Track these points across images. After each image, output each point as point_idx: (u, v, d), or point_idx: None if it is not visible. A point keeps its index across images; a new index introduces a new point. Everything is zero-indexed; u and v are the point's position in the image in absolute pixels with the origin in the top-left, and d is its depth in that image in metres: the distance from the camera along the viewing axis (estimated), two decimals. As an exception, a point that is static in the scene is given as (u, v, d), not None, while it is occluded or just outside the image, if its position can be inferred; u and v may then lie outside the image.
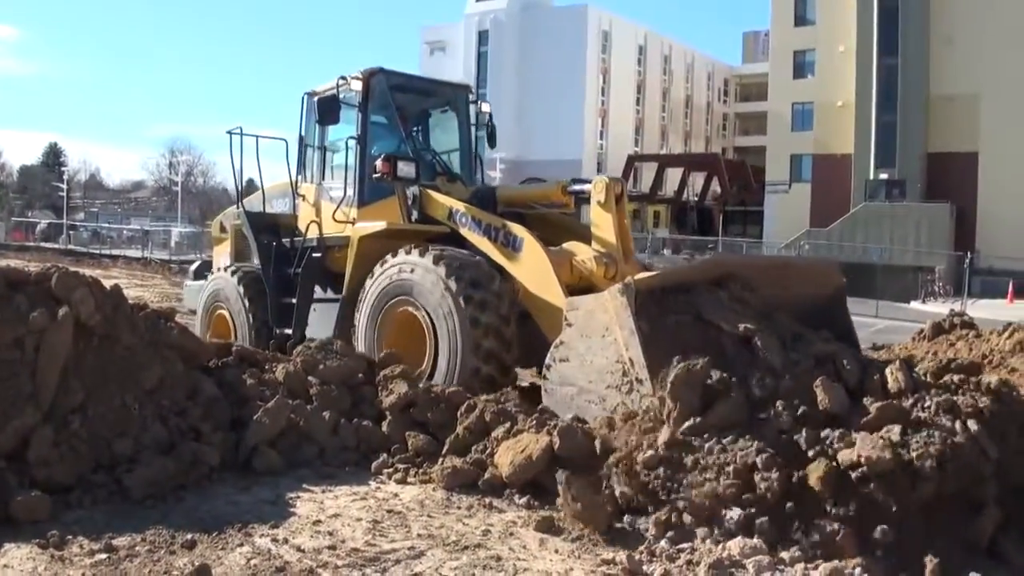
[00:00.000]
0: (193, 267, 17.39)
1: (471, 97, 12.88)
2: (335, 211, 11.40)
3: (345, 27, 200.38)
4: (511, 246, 9.68)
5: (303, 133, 12.45)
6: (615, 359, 7.11)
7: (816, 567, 4.95)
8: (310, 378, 8.09)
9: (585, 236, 10.20)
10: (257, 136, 12.53)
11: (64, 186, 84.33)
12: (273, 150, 12.99)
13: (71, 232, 67.71)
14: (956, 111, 55.66)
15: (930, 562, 4.88)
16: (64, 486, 6.28)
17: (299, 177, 12.50)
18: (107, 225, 76.27)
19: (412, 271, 9.72)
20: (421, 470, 7.07)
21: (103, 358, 7.10)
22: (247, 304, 12.00)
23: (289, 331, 11.36)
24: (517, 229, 9.71)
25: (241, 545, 5.49)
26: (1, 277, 7.07)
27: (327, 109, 11.18)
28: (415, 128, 12.64)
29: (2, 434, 6.32)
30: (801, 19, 64.30)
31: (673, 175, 72.55)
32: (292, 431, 7.45)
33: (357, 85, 11.32)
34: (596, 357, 7.30)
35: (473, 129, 12.70)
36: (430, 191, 10.79)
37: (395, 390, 7.86)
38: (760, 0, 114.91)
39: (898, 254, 48.77)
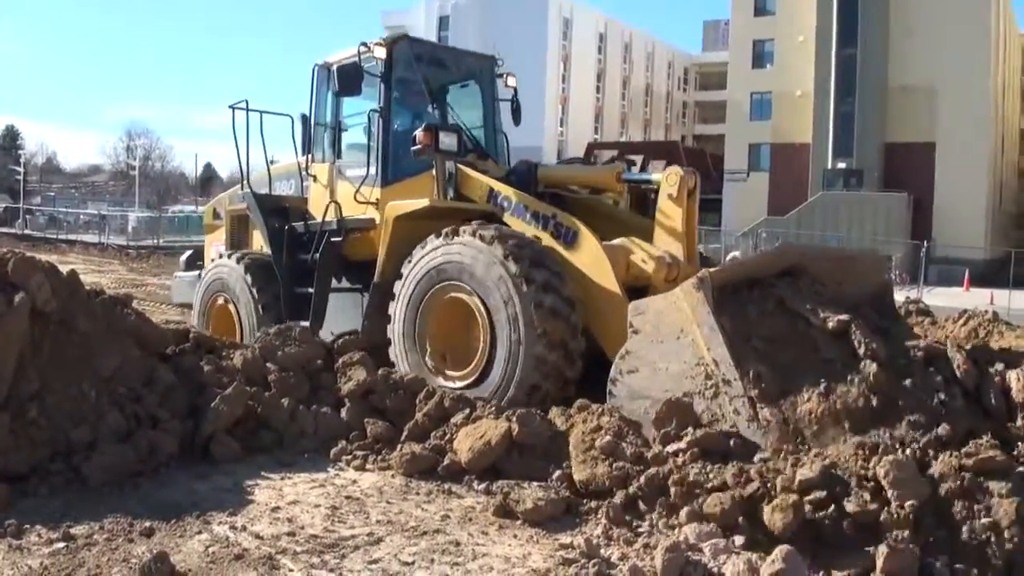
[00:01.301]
0: (183, 257, 16.05)
1: (497, 70, 11.95)
2: (356, 192, 10.49)
3: (303, 10, 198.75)
4: (563, 238, 8.89)
5: (313, 108, 11.51)
6: (695, 362, 6.55)
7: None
8: (268, 365, 8.04)
9: (636, 229, 9.55)
10: (261, 112, 11.62)
11: (21, 169, 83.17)
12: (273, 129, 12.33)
13: (27, 217, 66.81)
14: (914, 102, 56.27)
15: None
16: (20, 474, 6.23)
17: (308, 157, 11.61)
18: (64, 210, 75.29)
19: (462, 252, 8.78)
20: (380, 457, 7.05)
21: (60, 345, 7.03)
22: (255, 294, 11.09)
23: (305, 323, 10.08)
24: (571, 220, 8.96)
25: (199, 532, 5.48)
26: (-44, 263, 7.00)
27: (348, 79, 10.26)
28: (436, 102, 11.72)
29: (-42, 423, 6.28)
30: (761, 9, 64.58)
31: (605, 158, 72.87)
32: (250, 418, 7.42)
33: (381, 52, 10.42)
34: (671, 363, 6.70)
35: (497, 104, 11.87)
36: (466, 168, 9.98)
37: (354, 376, 7.83)
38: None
39: (855, 243, 49.23)
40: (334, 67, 10.61)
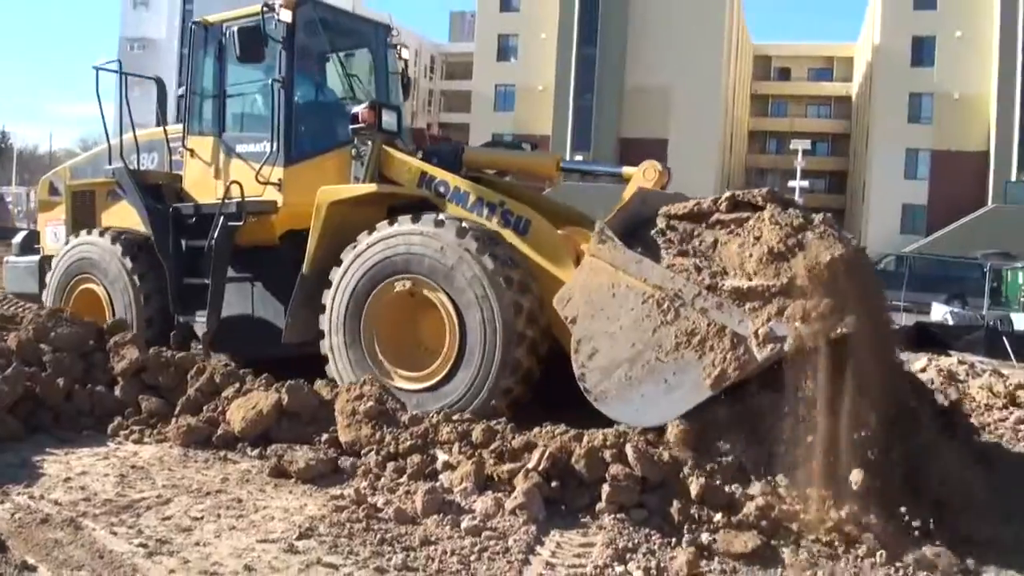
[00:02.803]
0: (17, 239, 14.06)
1: (390, 39, 10.93)
2: (258, 172, 9.43)
3: None
4: (515, 227, 8.26)
5: (190, 73, 10.35)
6: (641, 301, 6.66)
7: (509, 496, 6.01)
8: (42, 346, 8.35)
9: (569, 218, 9.26)
10: (124, 73, 10.59)
11: None
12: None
13: None
14: (649, 100, 60.09)
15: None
16: None
17: (183, 127, 10.37)
18: None
19: (425, 244, 8.05)
20: (156, 430, 7.59)
21: None
22: (137, 282, 9.97)
23: (195, 317, 9.63)
24: (521, 207, 8.41)
25: (2, 503, 5.90)
26: None
27: (250, 43, 9.20)
28: (320, 68, 10.72)
29: None
30: (506, 5, 67.05)
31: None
32: (28, 398, 7.75)
33: (286, 15, 9.33)
34: (622, 319, 6.74)
35: (393, 77, 10.88)
36: (390, 149, 9.22)
37: (126, 355, 8.24)
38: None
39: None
40: (231, 29, 9.60)
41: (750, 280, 6.44)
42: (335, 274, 8.52)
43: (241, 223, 9.47)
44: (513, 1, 66.72)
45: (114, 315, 9.89)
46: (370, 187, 8.90)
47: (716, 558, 5.47)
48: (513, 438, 6.58)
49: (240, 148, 9.83)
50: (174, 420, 7.60)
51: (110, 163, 10.60)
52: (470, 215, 8.41)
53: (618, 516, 5.84)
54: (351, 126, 9.11)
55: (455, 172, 9.15)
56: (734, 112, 71.88)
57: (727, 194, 7.17)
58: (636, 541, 5.57)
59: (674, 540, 5.62)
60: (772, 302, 6.25)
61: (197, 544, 5.28)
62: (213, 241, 9.46)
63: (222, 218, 9.48)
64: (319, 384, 7.85)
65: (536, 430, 6.66)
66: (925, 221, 58.36)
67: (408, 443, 6.72)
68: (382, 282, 8.27)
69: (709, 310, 6.40)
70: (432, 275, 8.01)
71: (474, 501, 5.96)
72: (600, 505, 5.96)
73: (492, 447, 6.51)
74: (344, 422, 7.05)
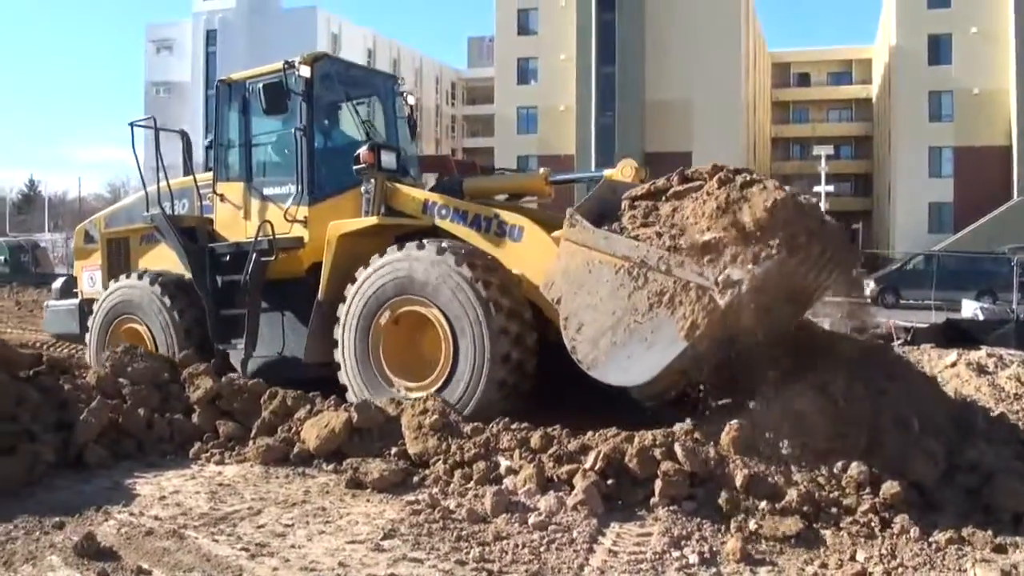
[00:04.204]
0: (56, 284, 15.28)
1: (398, 87, 12.12)
2: (285, 211, 10.40)
3: (63, 20, 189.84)
4: (508, 236, 9.15)
5: (217, 126, 11.38)
6: (614, 272, 7.39)
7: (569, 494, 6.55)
8: (120, 380, 9.00)
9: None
10: (157, 128, 11.42)
11: None
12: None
13: None
14: (670, 114, 60.59)
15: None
16: None
17: (212, 175, 11.41)
18: None
19: (425, 269, 8.91)
20: (235, 452, 8.20)
21: (-66, 373, 7.78)
22: (176, 318, 10.87)
23: (233, 345, 10.49)
24: (513, 217, 9.24)
25: (106, 520, 6.48)
26: None
27: (275, 97, 10.14)
28: (336, 117, 11.70)
29: None
30: (524, 29, 67.72)
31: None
32: (112, 428, 8.37)
33: (305, 71, 10.28)
34: (600, 291, 7.46)
35: (401, 121, 11.92)
36: (398, 185, 10.15)
37: (201, 385, 8.90)
38: (484, 6, 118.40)
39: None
40: (256, 85, 10.61)
41: (704, 235, 7.10)
42: (348, 293, 9.46)
43: (272, 258, 10.39)
44: (531, 24, 67.45)
45: (157, 349, 10.70)
46: (371, 220, 9.84)
47: (763, 542, 5.99)
48: (569, 442, 7.16)
49: (267, 191, 10.80)
50: (251, 441, 8.22)
51: (147, 210, 11.51)
52: (470, 231, 9.34)
53: (671, 508, 6.41)
54: (354, 166, 9.98)
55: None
56: (756, 121, 72.23)
57: (678, 170, 7.99)
58: (689, 529, 6.12)
59: (723, 527, 6.17)
60: (726, 251, 6.95)
61: (292, 547, 5.86)
62: (248, 275, 10.40)
63: (255, 254, 10.39)
64: (384, 402, 8.43)
65: (590, 434, 7.25)
66: (952, 219, 58.32)
67: (472, 452, 7.33)
68: (384, 304, 9.21)
69: (672, 269, 7.12)
70: (423, 292, 8.93)
71: (538, 500, 6.53)
72: (654, 499, 6.54)
73: (550, 451, 7.09)
74: (411, 435, 7.66)
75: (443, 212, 9.69)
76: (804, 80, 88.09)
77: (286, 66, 10.33)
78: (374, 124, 11.46)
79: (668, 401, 8.04)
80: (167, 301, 10.95)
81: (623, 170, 9.63)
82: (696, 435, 7.00)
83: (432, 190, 10.48)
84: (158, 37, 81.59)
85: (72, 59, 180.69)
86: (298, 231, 10.38)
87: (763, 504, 6.35)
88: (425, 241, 9.12)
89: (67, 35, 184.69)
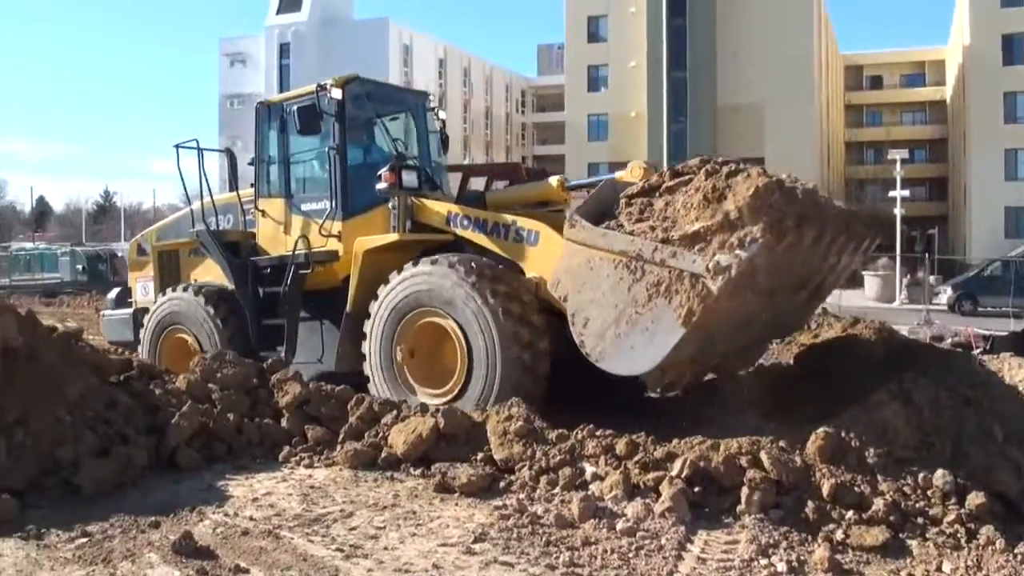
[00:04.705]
0: (111, 295, 16.03)
1: (429, 104, 12.72)
2: (320, 226, 11.04)
3: (140, 36, 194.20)
4: (526, 241, 9.60)
5: (258, 145, 12.07)
6: (614, 267, 7.84)
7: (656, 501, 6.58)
8: (210, 385, 9.20)
9: None
10: (201, 149, 12.20)
11: None
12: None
13: None
14: (742, 120, 60.11)
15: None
16: (17, 491, 7.11)
17: (254, 191, 12.13)
18: None
19: (438, 282, 9.48)
20: (323, 456, 8.34)
21: (30, 377, 7.99)
22: (220, 326, 11.55)
23: (274, 352, 10.95)
24: (530, 223, 9.68)
25: (201, 520, 6.67)
26: (-77, 308, 7.93)
27: (308, 119, 10.81)
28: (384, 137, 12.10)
29: (-45, 450, 7.21)
30: (594, 36, 67.74)
31: (476, 184, 74.36)
32: (202, 432, 8.56)
33: (337, 93, 10.89)
34: (602, 286, 7.94)
35: (432, 136, 12.45)
36: (422, 200, 10.64)
37: (290, 391, 9.07)
38: (552, 13, 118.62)
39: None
40: (291, 107, 11.28)
41: (693, 225, 7.47)
42: (372, 308, 10.04)
43: (309, 271, 11.10)
44: (601, 31, 67.43)
45: None
46: (393, 236, 10.39)
47: (850, 551, 5.98)
48: (655, 449, 7.20)
49: (304, 207, 11.46)
50: (339, 446, 8.35)
51: (192, 226, 12.35)
52: (490, 239, 9.87)
53: (758, 516, 6.42)
54: (377, 186, 10.48)
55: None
56: (829, 124, 71.40)
57: (644, 168, 8.58)
58: (776, 538, 6.11)
59: (810, 536, 6.15)
60: (714, 239, 7.30)
61: (385, 549, 5.99)
62: (286, 287, 11.14)
63: (293, 267, 11.12)
64: (469, 408, 8.53)
65: (676, 441, 7.28)
66: (1030, 223, 57.17)
67: (558, 458, 7.39)
68: (404, 317, 9.80)
69: (666, 260, 7.51)
70: (439, 304, 9.50)
71: (625, 507, 6.57)
72: (740, 507, 6.54)
73: (636, 458, 7.14)
74: (497, 441, 7.75)
75: (464, 223, 10.17)
76: (877, 83, 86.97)
77: (319, 89, 11.03)
78: (404, 141, 12.02)
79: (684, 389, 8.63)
80: (211, 311, 11.63)
81: (632, 171, 9.84)
82: (781, 443, 7.00)
83: (456, 203, 10.94)
84: (232, 51, 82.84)
85: (148, 72, 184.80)
86: (333, 245, 10.97)
87: (849, 514, 6.36)
88: (438, 257, 9.65)
89: (143, 49, 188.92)
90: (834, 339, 11.43)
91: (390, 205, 10.52)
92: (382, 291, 9.97)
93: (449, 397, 9.41)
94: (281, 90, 74.35)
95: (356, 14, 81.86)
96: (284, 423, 8.90)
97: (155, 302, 12.55)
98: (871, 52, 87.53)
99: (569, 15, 68.65)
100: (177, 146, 12.27)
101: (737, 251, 7.12)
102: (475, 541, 6.06)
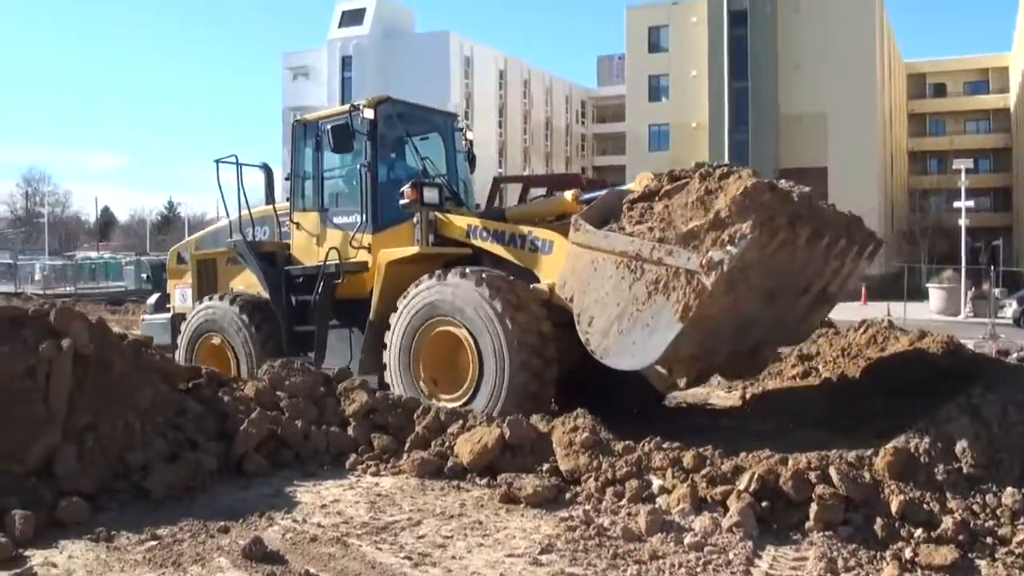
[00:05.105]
0: (151, 300, 17.17)
1: (457, 124, 13.37)
2: (352, 239, 11.60)
3: (203, 51, 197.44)
4: (540, 250, 10.07)
5: (295, 160, 12.67)
6: (615, 268, 8.29)
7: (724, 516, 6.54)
8: (278, 393, 9.31)
9: None
10: (240, 164, 12.76)
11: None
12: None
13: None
14: (804, 130, 59.61)
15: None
16: (88, 494, 7.26)
17: (289, 204, 12.74)
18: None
19: (452, 292, 9.95)
20: (389, 464, 8.40)
21: (101, 383, 8.11)
22: (254, 332, 12.11)
23: (305, 357, 11.50)
24: (545, 233, 10.14)
25: (270, 526, 6.75)
26: (4, 315, 8.05)
27: (342, 137, 11.38)
28: (414, 155, 12.67)
29: (30, 454, 7.32)
30: (655, 46, 67.73)
31: (536, 194, 74.52)
32: (270, 439, 8.66)
33: (369, 113, 11.48)
34: (605, 286, 8.37)
35: (460, 155, 13.05)
36: (444, 214, 11.13)
37: (357, 399, 9.15)
38: (612, 24, 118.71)
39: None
40: (326, 126, 11.86)
41: (688, 225, 7.90)
42: (393, 318, 10.49)
43: (339, 280, 11.65)
44: (661, 41, 67.39)
45: (238, 362, 12.12)
46: (413, 249, 10.91)
47: (919, 570, 5.88)
48: (722, 463, 7.14)
49: (337, 220, 12.06)
50: (406, 455, 8.41)
51: (230, 237, 12.98)
52: (507, 248, 10.36)
53: (826, 533, 6.34)
54: (400, 202, 10.93)
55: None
56: (892, 134, 70.50)
57: (667, 171, 8.85)
58: (845, 555, 6.04)
59: (879, 554, 6.07)
60: (707, 237, 7.70)
61: (453, 558, 6.00)
62: (317, 295, 11.65)
63: (324, 277, 11.67)
64: (535, 418, 8.54)
65: (743, 455, 7.20)
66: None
67: (624, 470, 7.37)
68: (424, 324, 10.24)
69: (663, 258, 7.94)
70: (452, 313, 9.94)
71: (692, 521, 6.52)
72: (808, 523, 6.46)
73: (703, 472, 7.08)
74: (562, 452, 7.74)
75: (483, 235, 10.69)
76: (940, 91, 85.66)
77: (352, 108, 11.67)
78: (433, 159, 12.62)
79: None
80: (244, 318, 12.20)
81: (640, 182, 9.93)
82: (850, 458, 6.92)
83: (482, 216, 11.46)
84: (294, 64, 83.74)
85: (212, 85, 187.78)
86: (363, 256, 11.57)
87: (918, 531, 6.26)
88: (452, 269, 10.11)
89: (207, 63, 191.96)
90: (901, 352, 11.34)
91: (414, 220, 11.01)
92: (401, 302, 10.44)
93: (462, 401, 9.83)
94: (343, 103, 75.17)
95: (418, 27, 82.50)
96: (351, 431, 8.96)
97: (192, 309, 13.19)
98: (934, 59, 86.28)
99: (630, 26, 68.69)
100: (217, 161, 12.85)
101: (728, 247, 7.52)
102: (542, 552, 6.06)
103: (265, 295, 12.40)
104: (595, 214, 8.97)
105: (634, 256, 8.16)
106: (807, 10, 60.62)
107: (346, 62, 78.44)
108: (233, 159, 12.76)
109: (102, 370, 8.26)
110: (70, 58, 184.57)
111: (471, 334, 9.80)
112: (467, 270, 10.04)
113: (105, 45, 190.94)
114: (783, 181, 8.50)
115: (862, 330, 12.84)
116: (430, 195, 10.94)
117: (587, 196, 11.04)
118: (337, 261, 11.68)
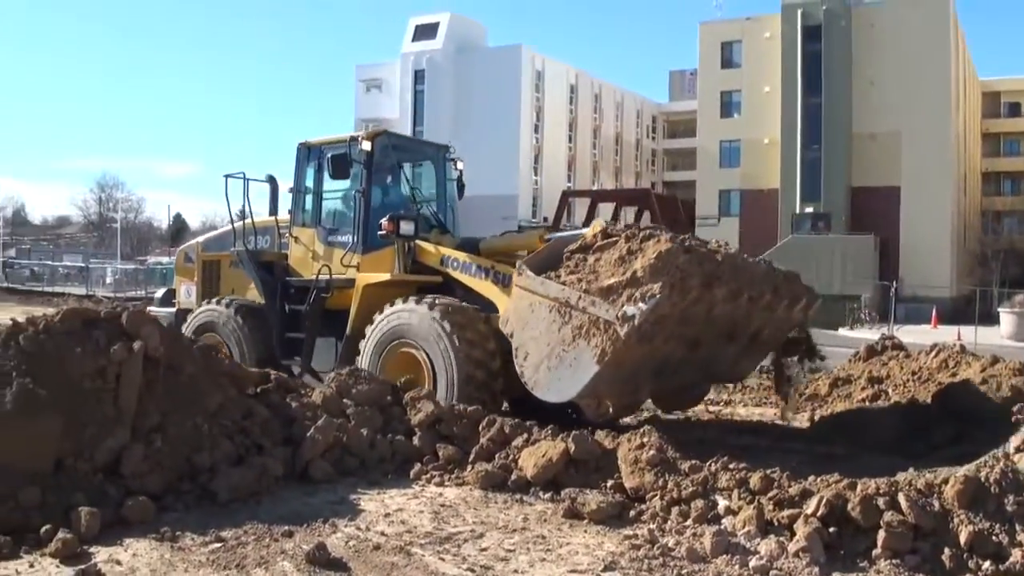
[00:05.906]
0: (159, 294, 18.61)
1: (449, 154, 14.29)
2: (343, 257, 12.61)
3: (275, 62, 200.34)
4: (501, 283, 11.02)
5: (298, 178, 13.57)
6: (548, 311, 9.06)
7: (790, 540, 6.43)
8: (345, 400, 9.39)
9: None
10: (247, 179, 13.87)
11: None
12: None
13: (7, 270, 67.27)
14: (878, 148, 58.76)
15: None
16: (154, 494, 7.37)
17: (289, 218, 13.69)
18: (47, 263, 75.82)
19: (410, 316, 10.93)
20: (454, 475, 8.43)
21: (170, 385, 8.26)
22: (247, 335, 13.17)
23: (293, 361, 12.72)
24: (506, 268, 10.95)
25: (333, 532, 6.79)
26: (78, 316, 8.21)
27: (340, 166, 12.56)
28: (405, 184, 13.80)
29: (98, 452, 7.43)
30: (728, 62, 67.17)
31: (605, 209, 74.44)
32: (336, 446, 8.72)
33: (367, 145, 12.44)
34: (539, 327, 9.14)
35: (450, 183, 14.04)
36: (422, 243, 12.16)
37: (423, 409, 9.21)
38: (684, 39, 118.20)
39: (825, 284, 51.01)
40: (327, 153, 12.94)
41: (609, 280, 8.76)
42: (368, 330, 11.43)
43: (329, 294, 12.65)
44: (735, 57, 66.83)
45: (232, 358, 12.24)
46: (385, 276, 12.06)
47: (986, 604, 5.70)
48: (790, 486, 6.99)
49: (331, 238, 13.08)
50: (470, 466, 8.42)
51: (234, 245, 14.16)
52: (474, 279, 11.45)
53: (893, 561, 6.19)
54: (378, 232, 11.97)
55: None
56: (966, 153, 69.10)
57: (601, 228, 9.77)
58: (913, 585, 5.86)
59: (946, 585, 5.87)
60: (623, 292, 8.54)
61: (515, 571, 5.99)
62: (307, 306, 12.68)
63: (316, 289, 12.67)
64: (600, 435, 8.50)
65: (812, 478, 7.06)
66: None
67: (690, 489, 7.26)
68: (388, 345, 11.21)
69: (587, 307, 8.75)
70: (411, 336, 10.96)
71: (758, 544, 6.41)
72: (876, 551, 6.30)
73: (770, 494, 6.95)
74: (628, 469, 7.68)
75: (455, 264, 11.79)
76: (1015, 110, 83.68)
77: (351, 139, 12.72)
78: (423, 187, 13.99)
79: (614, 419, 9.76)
80: (239, 322, 13.24)
81: (594, 229, 10.42)
82: (919, 485, 6.77)
83: (456, 248, 12.33)
84: (367, 77, 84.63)
85: (285, 96, 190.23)
86: (351, 274, 12.53)
87: (987, 564, 6.09)
88: (414, 297, 11.19)
89: (280, 74, 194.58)
90: (973, 378, 11.11)
91: (396, 247, 12.08)
92: (375, 319, 11.38)
93: None
94: (415, 116, 76.13)
95: (490, 41, 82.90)
96: (416, 441, 9.02)
97: (196, 307, 14.33)
98: (1009, 78, 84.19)
99: (703, 41, 68.26)
100: (226, 176, 13.85)
101: (639, 304, 8.32)
102: (605, 569, 6.01)
103: (261, 301, 13.51)
104: (537, 261, 9.80)
105: (564, 302, 8.95)
106: (881, 26, 59.71)
107: (419, 75, 79.02)
108: (241, 175, 13.81)
109: (172, 373, 8.39)
110: (147, 71, 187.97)
111: (427, 355, 10.77)
112: (425, 297, 11.06)
113: (178, 57, 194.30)
114: (715, 241, 9.88)
115: (933, 354, 12.60)
116: (406, 228, 11.96)
117: (553, 236, 11.76)
118: (328, 276, 12.66)
